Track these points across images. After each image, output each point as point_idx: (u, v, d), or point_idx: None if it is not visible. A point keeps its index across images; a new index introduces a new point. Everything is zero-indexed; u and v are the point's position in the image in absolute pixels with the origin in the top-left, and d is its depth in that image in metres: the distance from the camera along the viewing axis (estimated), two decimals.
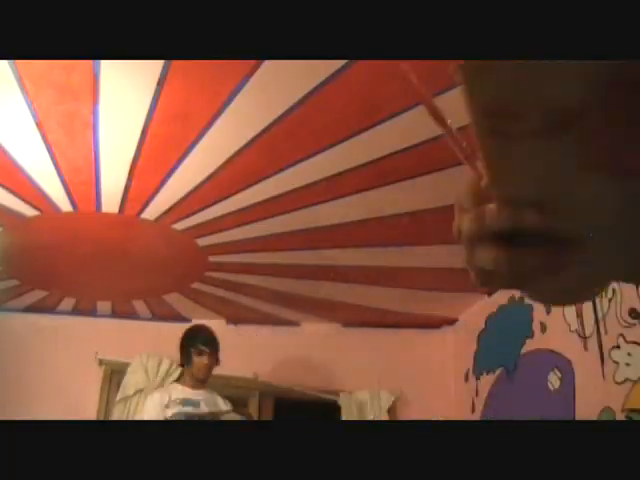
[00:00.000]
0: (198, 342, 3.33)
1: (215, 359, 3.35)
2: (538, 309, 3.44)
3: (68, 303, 4.11)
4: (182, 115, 2.36)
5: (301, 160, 2.63)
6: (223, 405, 3.35)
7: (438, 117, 0.43)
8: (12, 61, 2.06)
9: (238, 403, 4.25)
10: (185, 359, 3.38)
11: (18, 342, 4.04)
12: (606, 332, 2.88)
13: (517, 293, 3.65)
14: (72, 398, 3.91)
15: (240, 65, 2.10)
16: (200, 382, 3.34)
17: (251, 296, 3.99)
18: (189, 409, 3.20)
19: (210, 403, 3.29)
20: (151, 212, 3.04)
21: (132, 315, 4.27)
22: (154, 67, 2.11)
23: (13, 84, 2.17)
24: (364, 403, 4.11)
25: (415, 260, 3.54)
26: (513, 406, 3.52)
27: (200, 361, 3.31)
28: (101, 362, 4.05)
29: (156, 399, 3.25)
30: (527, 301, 3.56)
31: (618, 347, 2.79)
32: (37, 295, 3.97)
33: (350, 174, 2.72)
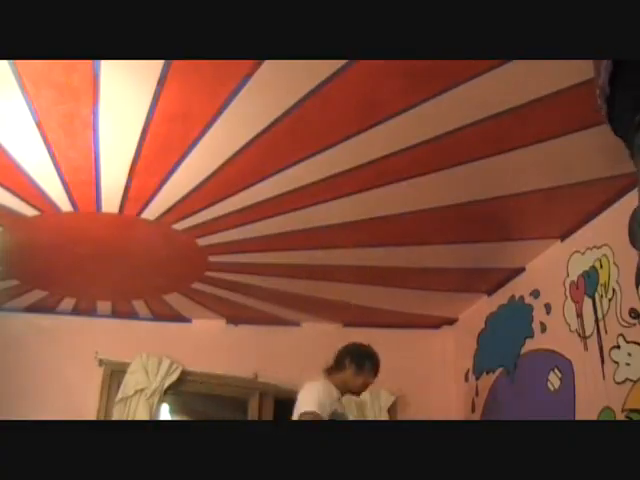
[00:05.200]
0: (368, 362, 3.24)
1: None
2: (538, 309, 3.44)
3: (68, 303, 4.11)
4: (182, 115, 2.36)
5: (301, 160, 2.62)
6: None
7: None
8: (12, 61, 2.06)
9: (238, 403, 4.26)
10: (340, 368, 3.26)
11: (18, 342, 4.05)
12: (606, 332, 2.88)
13: (517, 293, 3.65)
14: (72, 398, 3.92)
15: (240, 65, 2.10)
16: (353, 394, 3.32)
17: (251, 296, 3.99)
18: (341, 411, 3.13)
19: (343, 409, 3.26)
20: (151, 212, 3.04)
21: (132, 315, 4.27)
22: (154, 67, 2.11)
23: (13, 84, 2.17)
24: (364, 403, 4.11)
25: (415, 260, 3.54)
26: (513, 406, 3.52)
27: (363, 379, 3.22)
28: (101, 362, 4.06)
29: (329, 389, 3.10)
30: (527, 301, 3.56)
31: (618, 347, 2.79)
32: (37, 295, 3.97)
33: (350, 174, 2.72)
